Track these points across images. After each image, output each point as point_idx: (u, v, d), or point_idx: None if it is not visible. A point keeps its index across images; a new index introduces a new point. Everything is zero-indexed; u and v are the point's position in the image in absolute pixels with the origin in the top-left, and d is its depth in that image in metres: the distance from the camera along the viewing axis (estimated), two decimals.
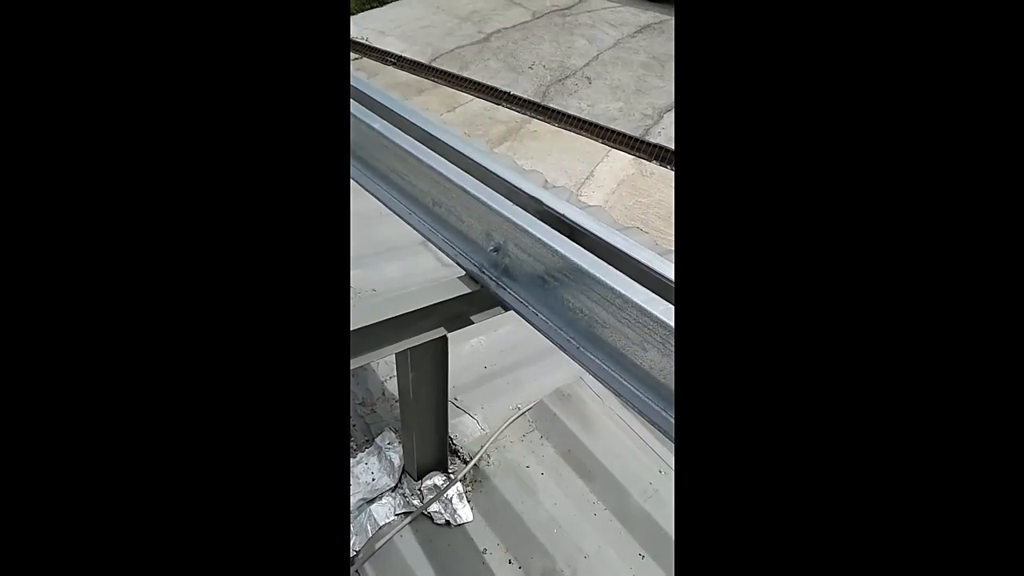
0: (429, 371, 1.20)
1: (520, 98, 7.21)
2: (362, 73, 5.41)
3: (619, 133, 6.55)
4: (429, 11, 9.83)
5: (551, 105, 7.06)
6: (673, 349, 0.85)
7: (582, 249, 0.99)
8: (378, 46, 8.62)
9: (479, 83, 7.50)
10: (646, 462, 1.48)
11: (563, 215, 1.13)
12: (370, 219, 1.52)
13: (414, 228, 1.34)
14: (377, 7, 10.29)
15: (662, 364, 0.88)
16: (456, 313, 1.16)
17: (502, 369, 1.66)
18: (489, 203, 1.11)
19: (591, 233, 1.08)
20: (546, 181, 2.92)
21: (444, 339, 1.16)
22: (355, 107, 1.54)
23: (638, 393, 0.93)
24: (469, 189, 1.16)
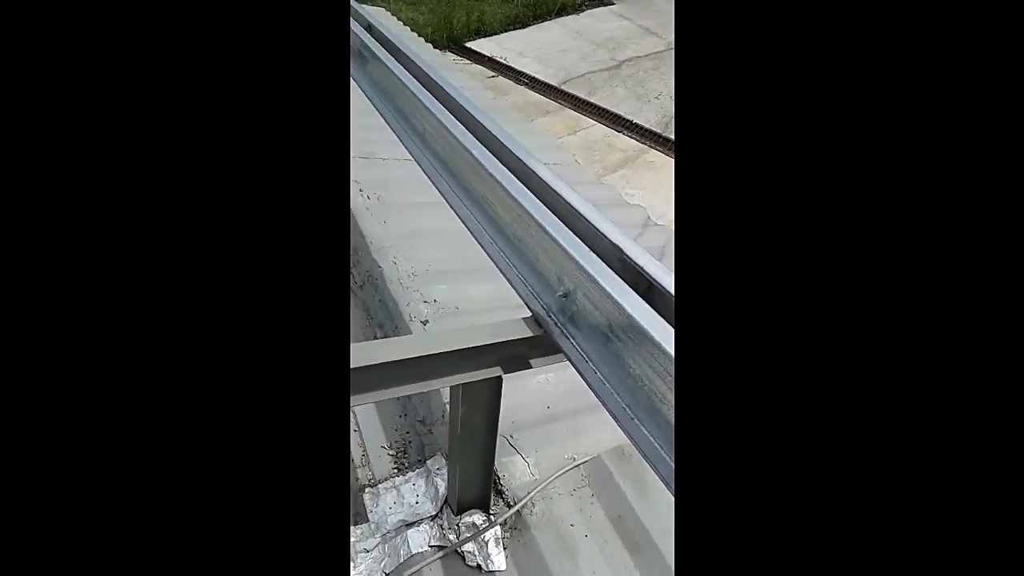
0: (481, 408, 1.17)
1: (641, 127, 7.08)
2: (490, 93, 5.59)
3: None
4: (567, 35, 10.00)
5: (672, 137, 6.85)
6: None
7: (652, 311, 0.91)
8: (515, 66, 8.91)
9: (603, 109, 7.48)
10: None
11: (642, 268, 1.05)
12: (464, 236, 1.53)
13: (492, 259, 1.33)
14: (520, 28, 10.66)
15: None
16: (516, 354, 1.12)
17: (564, 413, 1.58)
18: (565, 246, 1.07)
19: (668, 292, 0.99)
20: (648, 217, 2.80)
21: (499, 379, 1.13)
22: (459, 129, 1.56)
23: None
24: (548, 229, 1.12)
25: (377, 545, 1.27)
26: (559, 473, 1.42)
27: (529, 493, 1.37)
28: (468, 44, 9.97)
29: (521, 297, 1.20)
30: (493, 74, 8.78)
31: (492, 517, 1.33)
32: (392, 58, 1.98)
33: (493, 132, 1.54)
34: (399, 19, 5.82)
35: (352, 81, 2.17)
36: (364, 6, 2.48)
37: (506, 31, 10.59)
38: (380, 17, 3.61)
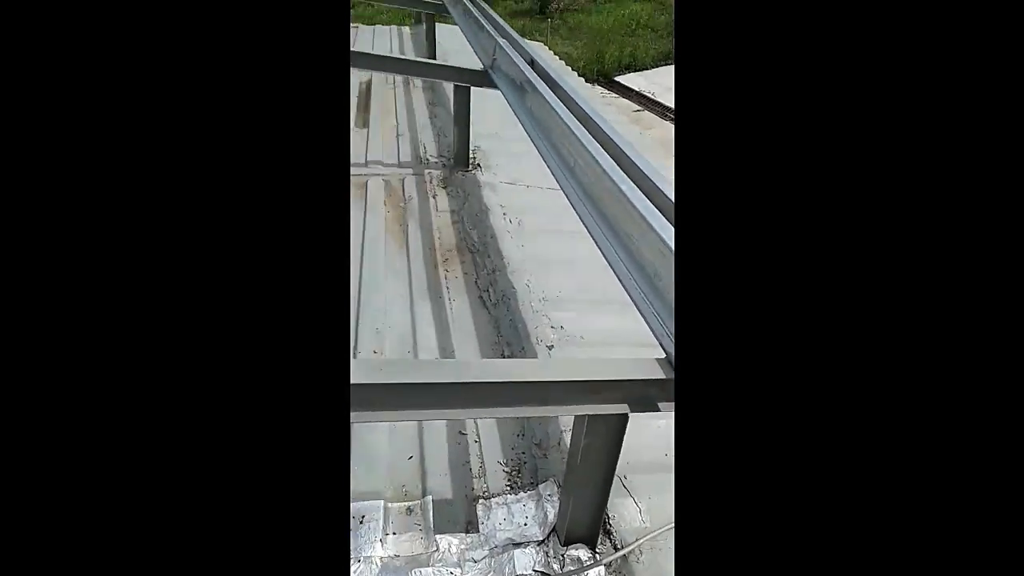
0: (603, 443, 1.15)
1: None
2: (635, 127, 5.58)
3: None
4: None
5: None
6: None
7: None
8: (662, 101, 8.83)
9: None
10: None
11: None
12: (595, 267, 1.54)
13: (628, 294, 1.32)
14: (671, 64, 10.56)
15: None
16: (644, 395, 1.09)
17: None
18: None
19: None
20: None
21: (625, 416, 1.11)
22: (607, 162, 1.59)
23: None
24: None
25: (485, 557, 1.30)
26: (671, 526, 1.35)
27: (638, 540, 1.32)
28: (617, 78, 10.06)
29: (656, 336, 1.18)
30: (638, 108, 8.77)
31: (598, 555, 1.30)
32: (550, 91, 2.07)
33: (640, 166, 1.54)
34: (554, 52, 6.06)
35: (511, 110, 2.30)
36: (528, 41, 2.62)
37: (657, 66, 10.54)
38: (539, 51, 3.78)
